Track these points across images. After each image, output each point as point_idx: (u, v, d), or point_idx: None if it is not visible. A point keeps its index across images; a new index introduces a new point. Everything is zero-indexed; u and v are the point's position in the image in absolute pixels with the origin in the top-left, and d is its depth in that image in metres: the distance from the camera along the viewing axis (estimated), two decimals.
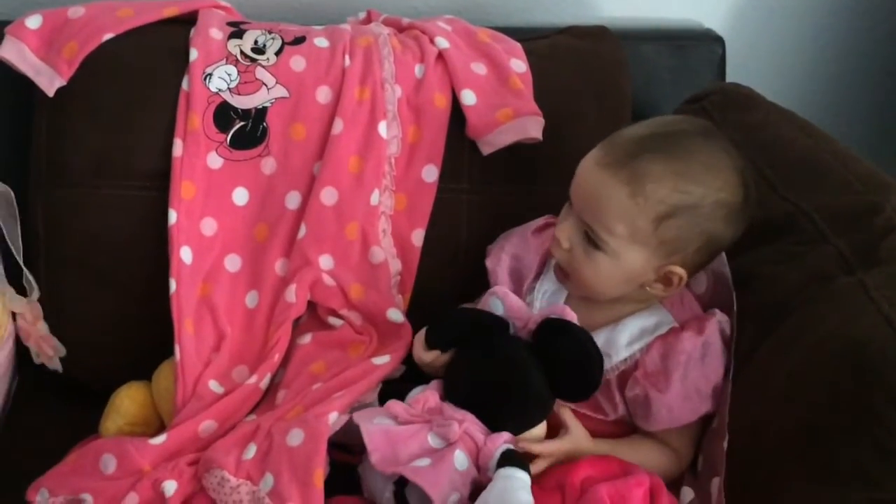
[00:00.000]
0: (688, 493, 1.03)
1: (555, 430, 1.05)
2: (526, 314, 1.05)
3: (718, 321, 1.07)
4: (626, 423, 1.09)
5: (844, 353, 0.91)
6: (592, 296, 1.08)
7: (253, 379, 1.13)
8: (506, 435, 1.00)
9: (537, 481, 0.99)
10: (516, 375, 1.02)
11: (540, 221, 1.19)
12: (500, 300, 1.06)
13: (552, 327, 1.03)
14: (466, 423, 1.00)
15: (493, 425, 1.01)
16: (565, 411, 1.06)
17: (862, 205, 1.07)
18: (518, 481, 0.94)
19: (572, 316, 1.03)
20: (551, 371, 1.02)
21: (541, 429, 1.04)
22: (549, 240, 1.15)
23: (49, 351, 1.21)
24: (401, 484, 0.98)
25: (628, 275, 1.04)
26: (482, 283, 1.17)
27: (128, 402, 1.18)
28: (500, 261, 1.16)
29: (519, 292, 1.13)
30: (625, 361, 1.08)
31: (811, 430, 0.92)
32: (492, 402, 1.02)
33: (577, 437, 1.05)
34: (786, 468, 0.94)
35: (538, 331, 1.04)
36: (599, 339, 1.06)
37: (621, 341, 1.08)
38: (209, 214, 1.20)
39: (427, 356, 1.08)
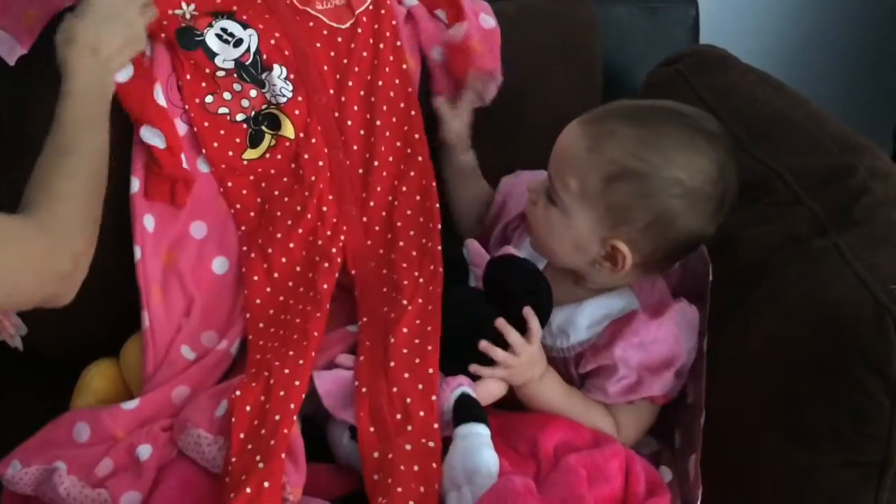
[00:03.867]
0: (666, 473, 1.03)
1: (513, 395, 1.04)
2: (484, 260, 1.07)
3: (681, 307, 1.04)
4: None
5: (820, 316, 0.92)
6: (546, 254, 1.07)
7: (223, 344, 1.12)
8: (461, 378, 1.00)
9: (509, 439, 1.00)
10: (467, 320, 1.03)
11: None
12: (467, 248, 1.09)
13: (497, 262, 1.05)
14: None
15: (449, 370, 1.02)
16: (532, 319, 1.02)
17: (835, 166, 1.07)
18: (478, 437, 0.95)
19: (516, 252, 1.05)
20: (504, 309, 1.02)
21: (500, 388, 1.03)
22: None
23: (10, 329, 1.19)
24: (356, 428, 1.00)
25: (576, 239, 1.02)
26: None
27: (98, 378, 1.16)
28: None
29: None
30: (582, 344, 1.06)
31: (787, 392, 0.92)
32: (445, 348, 1.03)
33: (536, 351, 1.02)
34: (762, 431, 0.94)
35: (486, 270, 1.05)
36: (561, 314, 1.06)
37: (581, 322, 1.06)
38: None
39: None
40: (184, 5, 1.22)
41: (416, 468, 0.95)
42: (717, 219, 1.01)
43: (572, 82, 1.27)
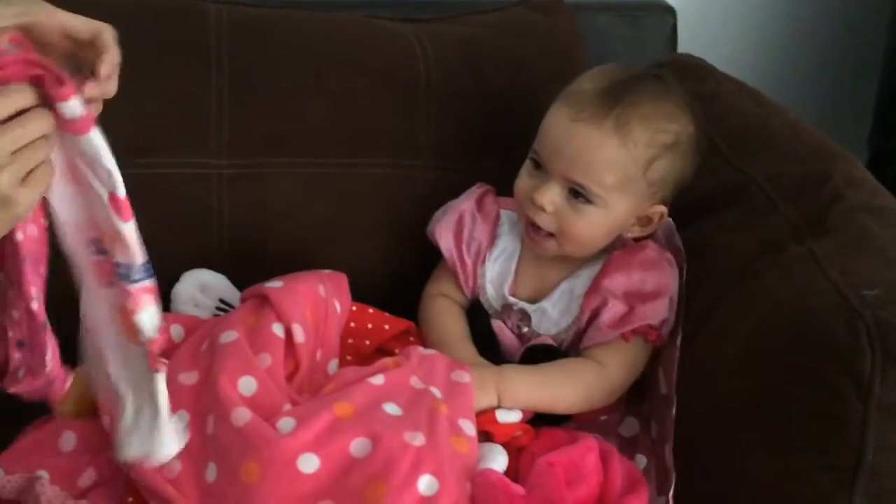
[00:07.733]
0: (641, 460, 1.04)
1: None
2: (516, 347, 1.11)
3: (652, 241, 1.11)
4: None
5: (795, 323, 0.92)
6: (582, 251, 1.10)
7: None
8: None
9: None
10: None
11: (475, 195, 1.18)
12: (497, 334, 1.12)
13: (534, 348, 1.09)
14: None
15: None
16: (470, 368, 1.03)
17: (810, 174, 1.08)
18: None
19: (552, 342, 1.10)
20: None
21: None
22: (492, 209, 1.17)
23: None
24: None
25: (616, 223, 1.07)
26: (436, 257, 1.18)
27: (81, 383, 1.15)
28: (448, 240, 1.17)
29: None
30: (576, 321, 1.10)
31: (763, 398, 0.93)
32: None
33: (483, 374, 1.02)
34: (738, 436, 0.95)
35: (524, 355, 1.09)
36: (560, 294, 1.10)
37: (579, 290, 1.10)
38: None
39: None
40: None
41: None
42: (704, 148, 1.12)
43: (558, 95, 1.28)
